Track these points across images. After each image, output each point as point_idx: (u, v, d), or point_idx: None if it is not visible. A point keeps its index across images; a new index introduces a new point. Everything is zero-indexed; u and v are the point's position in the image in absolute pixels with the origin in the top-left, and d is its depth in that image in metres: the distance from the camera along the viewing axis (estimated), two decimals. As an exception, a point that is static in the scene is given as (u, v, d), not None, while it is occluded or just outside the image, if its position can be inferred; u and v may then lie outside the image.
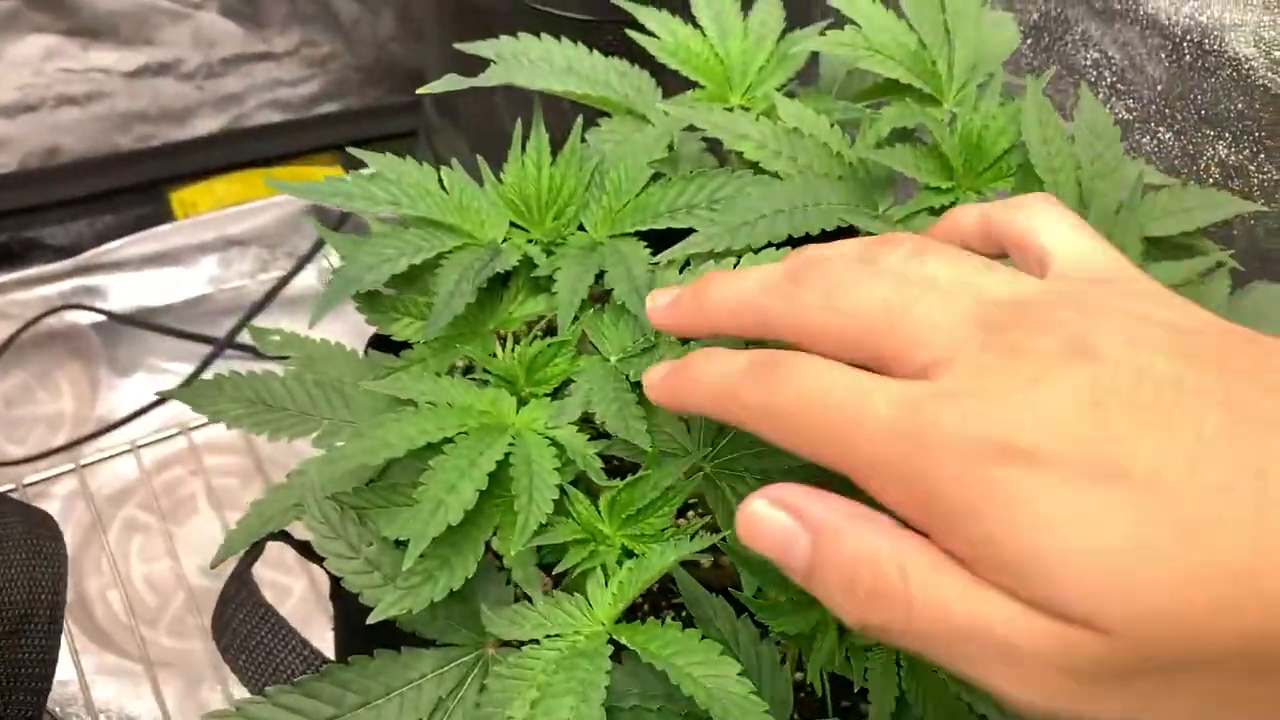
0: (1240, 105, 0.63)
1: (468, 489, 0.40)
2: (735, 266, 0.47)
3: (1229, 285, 0.52)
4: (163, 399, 1.09)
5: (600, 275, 0.49)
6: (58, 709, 0.92)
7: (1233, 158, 0.64)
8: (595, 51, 0.57)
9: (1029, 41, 0.77)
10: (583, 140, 0.53)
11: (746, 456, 0.45)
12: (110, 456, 1.02)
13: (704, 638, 0.37)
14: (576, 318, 0.47)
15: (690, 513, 0.53)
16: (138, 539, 1.04)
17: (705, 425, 0.45)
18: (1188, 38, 0.64)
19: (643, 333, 0.46)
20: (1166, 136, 0.68)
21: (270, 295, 1.20)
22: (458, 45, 0.55)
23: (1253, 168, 0.63)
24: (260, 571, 0.49)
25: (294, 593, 0.99)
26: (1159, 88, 0.67)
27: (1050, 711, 0.27)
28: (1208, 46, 0.63)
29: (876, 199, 0.52)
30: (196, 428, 1.01)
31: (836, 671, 0.41)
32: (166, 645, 0.97)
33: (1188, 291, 0.49)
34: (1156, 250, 0.52)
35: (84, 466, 0.99)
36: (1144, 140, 0.69)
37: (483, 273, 0.49)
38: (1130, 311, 0.29)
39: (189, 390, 0.52)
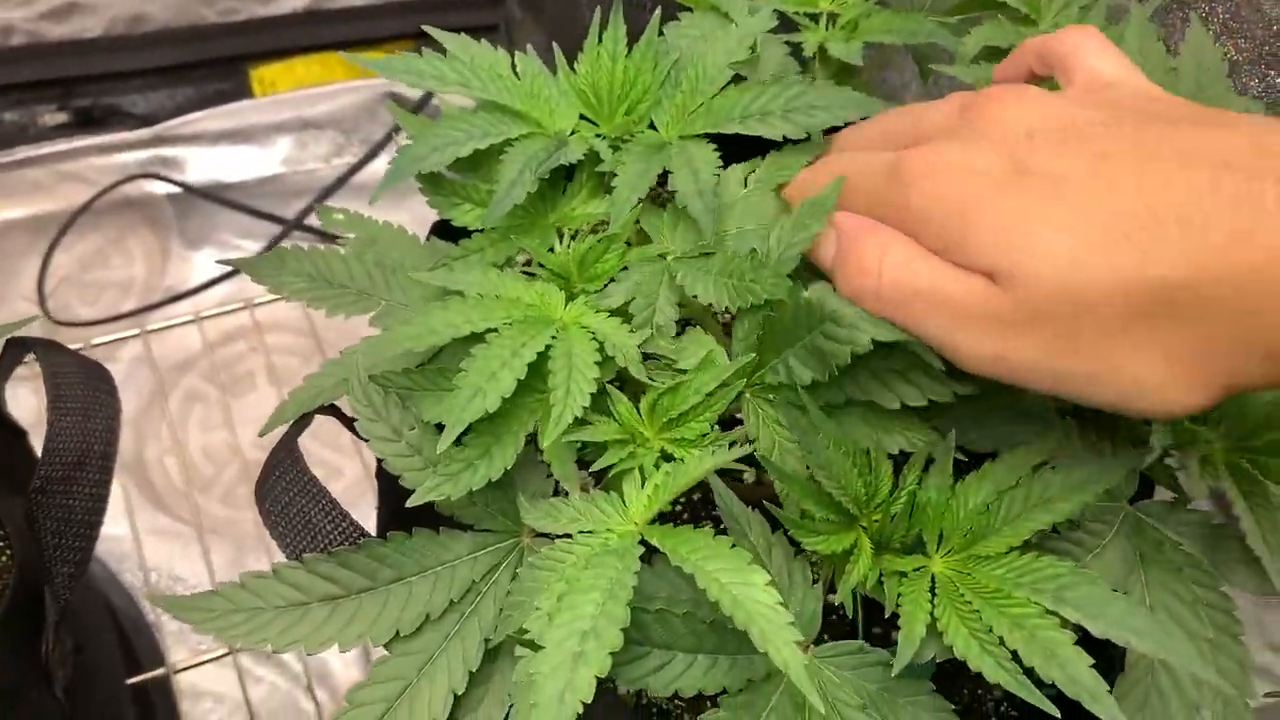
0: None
1: (507, 378, 0.40)
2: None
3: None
4: (230, 273, 1.12)
5: (665, 175, 0.48)
6: (112, 564, 0.95)
7: (1345, 107, 0.60)
8: (682, -57, 0.55)
9: (1140, -31, 0.72)
10: (660, 35, 0.52)
11: (784, 388, 0.44)
12: (176, 325, 1.04)
13: (734, 546, 0.37)
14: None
15: (737, 428, 0.52)
16: (197, 408, 1.07)
17: (743, 348, 0.44)
18: (1313, -24, 0.60)
19: (702, 236, 0.45)
20: (1277, 80, 0.64)
21: (342, 180, 1.20)
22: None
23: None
24: (316, 450, 0.50)
25: (345, 474, 1.01)
26: (1275, 28, 0.63)
27: (980, 354, 0.36)
28: (1334, -14, 0.59)
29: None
30: (260, 304, 1.02)
31: (868, 594, 0.41)
32: (218, 513, 1.00)
33: None
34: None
35: (149, 333, 1.01)
36: (1252, 82, 0.65)
37: (547, 163, 0.48)
38: (1105, 100, 0.39)
39: (251, 260, 0.52)
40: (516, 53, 0.52)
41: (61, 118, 1.22)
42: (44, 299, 1.12)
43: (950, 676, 0.45)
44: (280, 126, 1.25)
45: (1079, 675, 0.37)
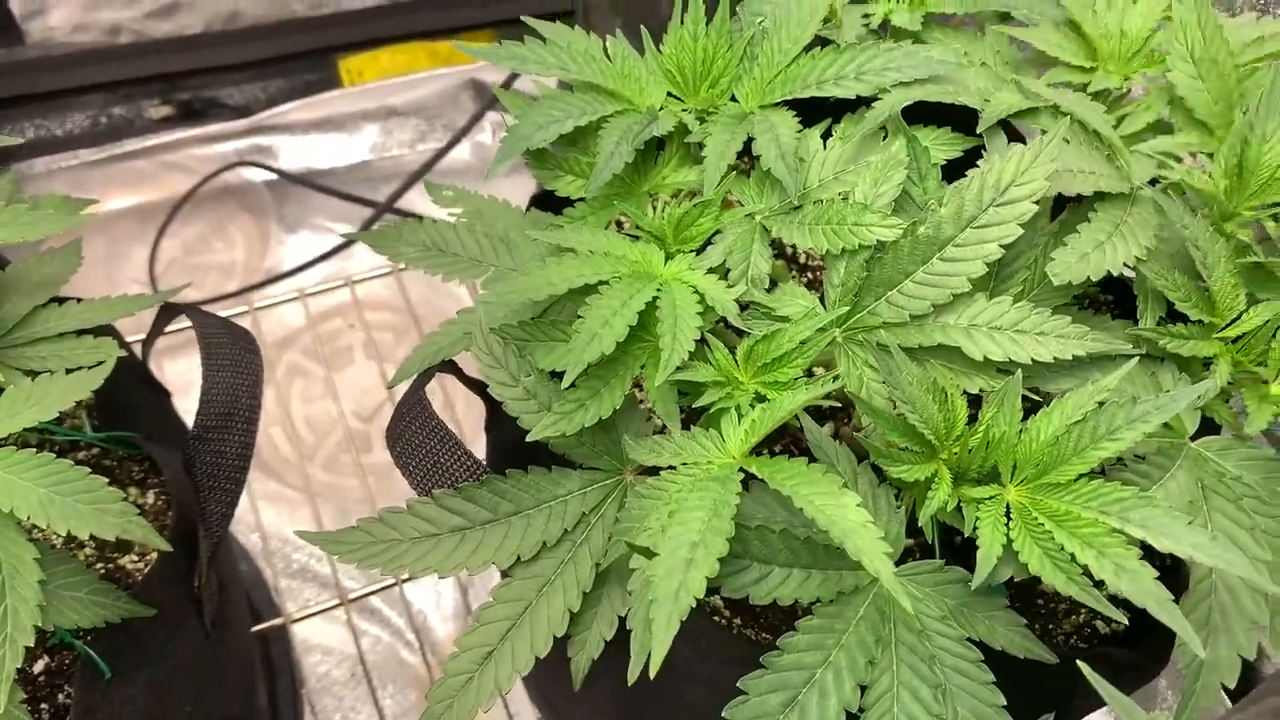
0: None
1: (620, 324, 0.44)
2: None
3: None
4: (327, 254, 1.19)
5: (749, 142, 0.52)
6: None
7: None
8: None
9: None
10: (735, 10, 0.56)
11: (875, 329, 0.48)
12: (279, 303, 1.10)
13: (826, 473, 0.41)
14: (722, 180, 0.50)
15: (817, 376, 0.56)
16: (299, 381, 1.13)
17: (840, 293, 0.48)
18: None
19: (787, 194, 0.49)
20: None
21: (428, 165, 1.26)
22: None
23: None
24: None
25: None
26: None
27: None
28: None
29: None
30: (360, 280, 1.08)
31: (946, 521, 0.45)
32: (322, 479, 1.06)
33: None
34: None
35: (256, 310, 1.08)
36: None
37: (641, 135, 0.52)
38: None
39: (372, 233, 0.58)
40: (608, 36, 0.56)
41: (165, 110, 1.29)
42: (154, 280, 1.20)
43: (1020, 613, 0.48)
44: (367, 115, 1.31)
45: (1146, 585, 0.40)
